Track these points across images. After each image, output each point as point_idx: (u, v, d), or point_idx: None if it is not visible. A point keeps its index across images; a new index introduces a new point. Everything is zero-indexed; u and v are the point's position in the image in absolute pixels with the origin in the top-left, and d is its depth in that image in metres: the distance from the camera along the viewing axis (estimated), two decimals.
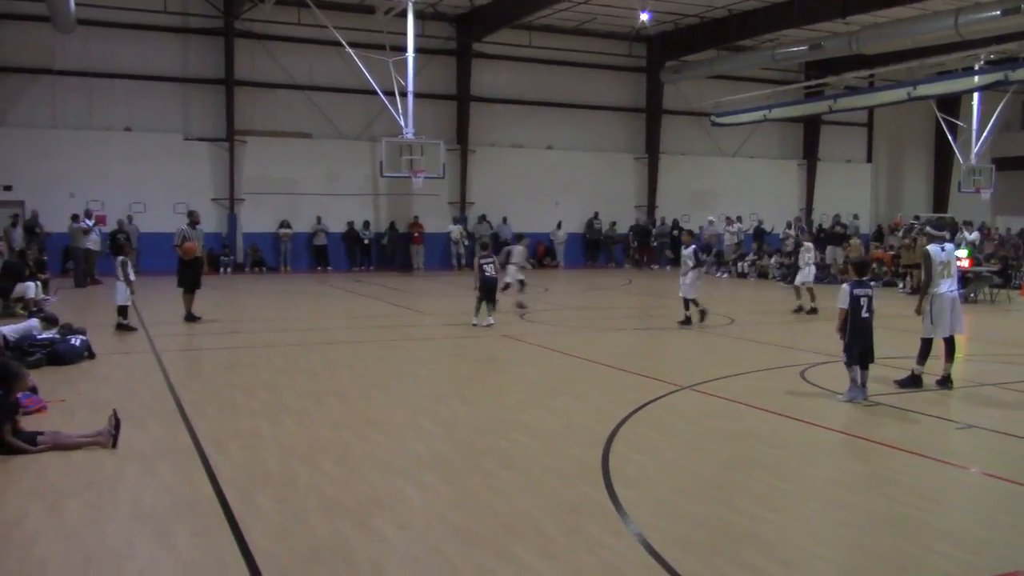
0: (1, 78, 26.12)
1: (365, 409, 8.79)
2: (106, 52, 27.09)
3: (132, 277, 14.02)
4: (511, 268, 17.34)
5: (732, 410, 8.91)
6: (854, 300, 9.28)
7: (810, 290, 17.52)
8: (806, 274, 17.57)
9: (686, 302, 15.47)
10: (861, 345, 9.25)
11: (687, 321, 15.37)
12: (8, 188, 25.86)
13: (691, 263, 15.27)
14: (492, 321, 14.94)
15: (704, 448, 7.42)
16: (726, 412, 8.83)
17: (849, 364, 9.35)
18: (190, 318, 15.50)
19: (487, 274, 14.96)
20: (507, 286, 17.27)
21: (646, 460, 7.00)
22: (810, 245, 17.93)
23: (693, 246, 15.46)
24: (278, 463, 6.80)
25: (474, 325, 14.90)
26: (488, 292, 15.00)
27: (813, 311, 17.32)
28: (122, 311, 14.09)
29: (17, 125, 26.21)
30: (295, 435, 7.68)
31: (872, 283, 10.75)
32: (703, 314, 15.49)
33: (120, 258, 14.21)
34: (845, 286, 9.48)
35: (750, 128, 35.38)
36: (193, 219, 16.11)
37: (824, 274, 26.10)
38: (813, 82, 33.18)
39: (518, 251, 17.68)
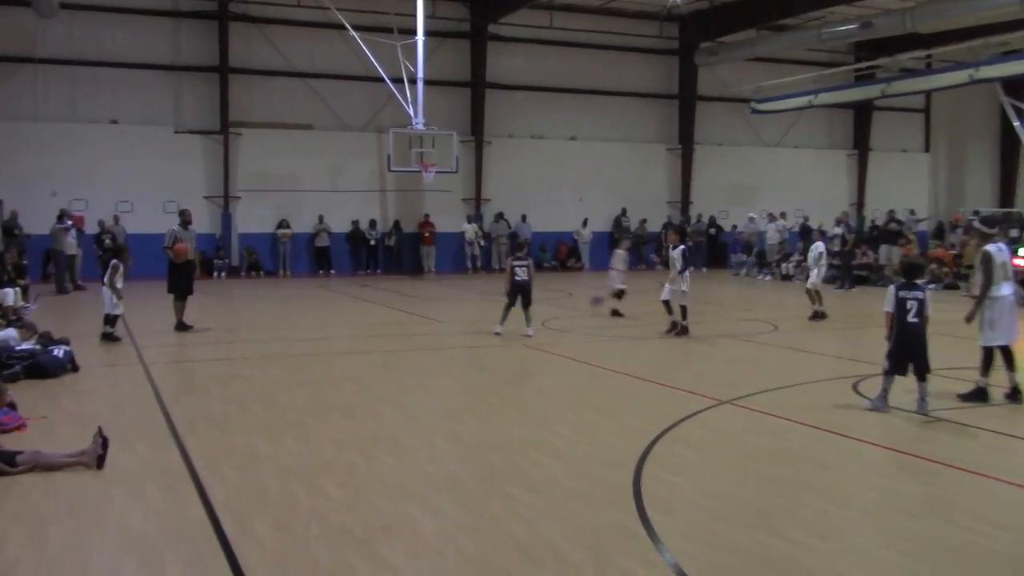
0: None
1: (372, 426, 8.81)
2: (91, 38, 27.34)
3: (119, 284, 14.12)
4: (614, 273, 17.61)
5: (777, 427, 8.85)
6: (900, 303, 9.22)
7: (817, 293, 17.61)
8: (816, 276, 17.73)
9: (667, 305, 15.43)
10: (905, 353, 9.20)
11: (678, 329, 15.10)
12: None
13: (679, 266, 15.05)
14: (531, 332, 14.77)
15: (746, 469, 7.38)
16: (770, 429, 8.77)
17: (887, 371, 9.34)
18: (181, 327, 15.59)
19: (518, 278, 14.86)
20: (621, 292, 17.56)
21: (681, 482, 6.96)
22: (820, 244, 18.13)
23: (681, 247, 15.26)
24: (277, 486, 6.81)
25: (496, 334, 14.84)
26: (519, 296, 14.85)
27: (817, 316, 17.34)
28: (110, 320, 14.19)
29: None
30: (295, 455, 7.70)
31: (931, 285, 10.66)
32: (678, 328, 15.13)
33: (113, 262, 14.32)
34: (891, 288, 9.46)
35: (794, 115, 35.20)
36: (185, 219, 16.21)
37: (878, 276, 25.94)
38: (864, 64, 32.98)
39: (620, 256, 17.89)
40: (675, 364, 13.20)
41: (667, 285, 15.46)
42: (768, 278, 28.65)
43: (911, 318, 9.21)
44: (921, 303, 9.26)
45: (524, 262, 15.06)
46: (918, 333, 9.25)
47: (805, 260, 27.81)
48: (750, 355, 13.80)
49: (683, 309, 15.27)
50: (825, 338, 15.71)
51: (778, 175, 35.96)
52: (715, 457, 7.75)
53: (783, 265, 28.71)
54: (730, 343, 14.81)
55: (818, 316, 17.42)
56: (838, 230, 26.23)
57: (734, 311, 19.90)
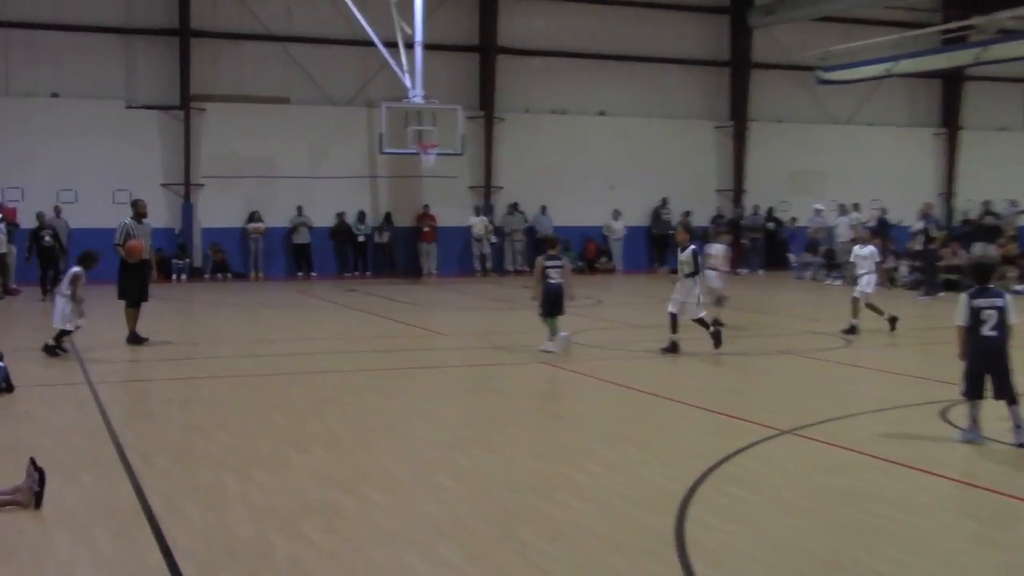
0: None
1: (362, 460, 8.83)
2: None
3: (81, 296, 14.23)
4: (710, 274, 17.14)
5: (849, 462, 8.82)
6: (974, 314, 9.23)
7: (870, 305, 17.37)
8: (864, 284, 17.41)
9: (674, 321, 14.91)
10: (983, 372, 9.20)
11: (672, 348, 14.88)
12: None
13: (688, 269, 14.80)
14: (552, 347, 14.71)
15: (811, 513, 7.36)
16: (841, 465, 8.74)
17: (967, 396, 9.35)
18: (134, 339, 15.67)
19: (552, 281, 14.88)
20: (721, 299, 17.33)
21: (735, 529, 6.95)
22: (872, 248, 17.88)
23: (692, 247, 14.95)
24: (249, 530, 6.84)
25: (545, 351, 14.73)
26: (553, 304, 14.88)
27: (851, 330, 17.13)
28: (60, 335, 14.29)
29: None
30: (271, 493, 7.73)
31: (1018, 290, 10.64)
32: (673, 347, 14.90)
33: (75, 270, 14.41)
34: (963, 296, 9.41)
35: (869, 87, 35.14)
36: (139, 210, 16.31)
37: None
38: (954, 25, 32.85)
39: (719, 250, 17.57)
40: (726, 386, 13.17)
41: (674, 295, 15.10)
42: (839, 282, 28.57)
43: (988, 331, 9.18)
44: (1001, 312, 9.23)
45: (558, 262, 15.10)
46: (998, 349, 9.22)
47: (883, 260, 27.87)
48: (816, 376, 13.73)
49: (701, 321, 15.06)
50: (907, 355, 15.65)
51: (850, 158, 35.91)
52: (774, 498, 7.73)
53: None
54: (791, 361, 14.77)
55: (849, 331, 17.14)
56: (921, 225, 26.17)
57: (796, 322, 19.85)
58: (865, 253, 17.71)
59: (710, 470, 8.38)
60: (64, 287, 14.40)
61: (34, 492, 7.22)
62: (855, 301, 17.49)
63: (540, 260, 15.17)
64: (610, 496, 7.72)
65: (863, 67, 32.10)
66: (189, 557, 6.30)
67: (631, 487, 7.97)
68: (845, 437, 9.67)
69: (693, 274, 14.84)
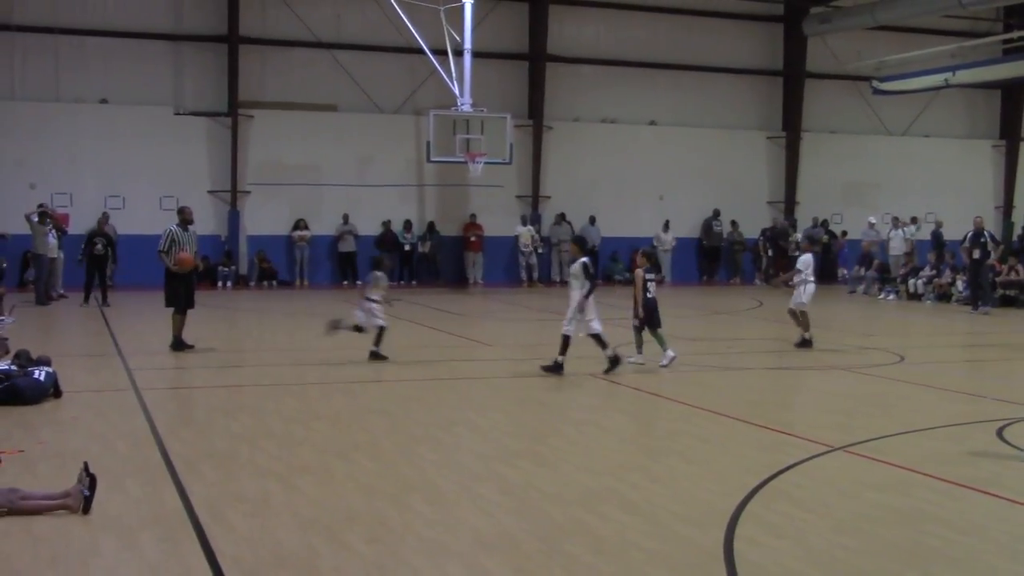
0: None
1: (406, 470, 8.88)
2: (77, 2, 28.03)
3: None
4: (806, 288, 16.89)
5: (903, 480, 8.76)
6: None
7: (803, 314, 17.02)
8: (800, 293, 16.97)
9: (565, 341, 14.08)
10: None
11: (612, 363, 14.27)
12: None
13: (577, 284, 14.12)
14: (672, 354, 14.78)
15: (864, 532, 7.31)
16: (895, 483, 8.68)
17: None
18: (179, 346, 15.85)
19: (650, 295, 15.10)
20: (802, 315, 16.96)
21: (785, 547, 6.92)
22: (808, 257, 17.41)
23: (584, 260, 14.16)
24: (294, 539, 6.91)
25: (632, 363, 14.83)
26: (651, 317, 15.03)
27: (805, 343, 16.99)
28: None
29: None
30: (315, 503, 7.80)
31: None
32: (613, 362, 14.25)
33: (378, 274, 15.80)
34: None
35: (926, 97, 34.84)
36: (184, 217, 16.47)
37: None
38: (1015, 34, 32.51)
39: (805, 262, 17.24)
40: (776, 401, 13.13)
41: (569, 313, 14.36)
42: (892, 297, 28.35)
43: None
44: None
45: (654, 275, 15.43)
46: None
47: (938, 275, 27.61)
48: (869, 391, 13.65)
49: (598, 338, 14.28)
50: (963, 372, 15.49)
51: (904, 171, 35.60)
52: (825, 516, 7.69)
53: (911, 281, 28.37)
54: (844, 376, 14.68)
55: (802, 344, 16.99)
56: (969, 238, 25.84)
57: (849, 337, 19.70)
58: (800, 264, 17.34)
59: (759, 486, 8.36)
60: (369, 292, 15.55)
61: (84, 497, 7.34)
62: (795, 312, 17.21)
63: (640, 272, 15.34)
64: (657, 510, 7.71)
65: (920, 77, 31.83)
66: (235, 565, 6.38)
67: (678, 502, 7.96)
68: (898, 455, 9.59)
69: (589, 291, 14.02)
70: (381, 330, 15.29)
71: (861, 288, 29.81)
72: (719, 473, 8.91)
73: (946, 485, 8.56)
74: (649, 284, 15.17)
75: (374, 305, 15.31)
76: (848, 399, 13.14)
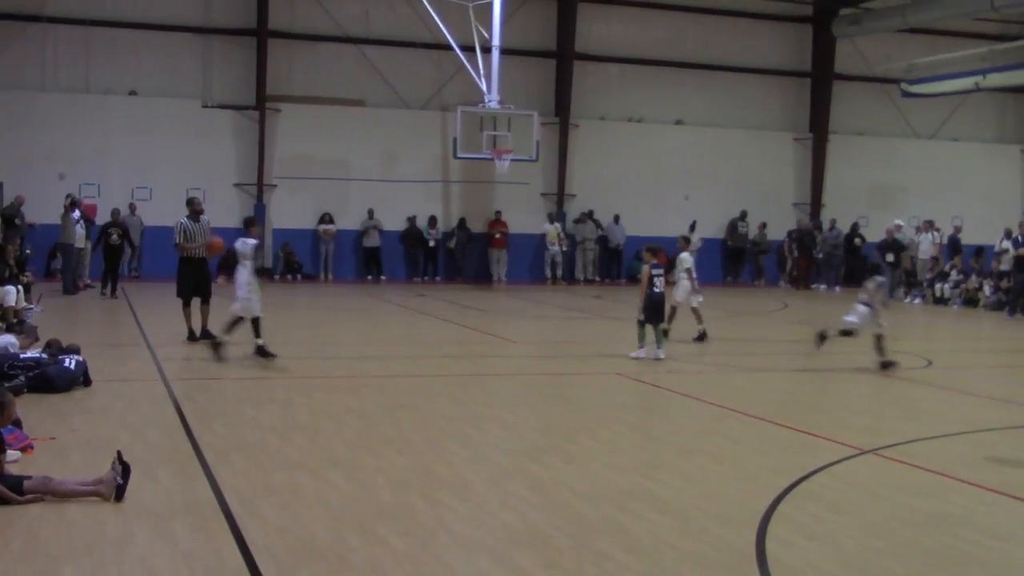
0: None
1: (435, 465, 8.90)
2: None
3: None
4: (680, 285, 17.09)
5: (934, 484, 8.73)
6: None
7: (672, 309, 17.07)
8: (679, 290, 17.20)
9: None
10: None
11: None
12: None
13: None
14: (662, 354, 15.07)
15: (895, 535, 7.29)
16: (925, 486, 8.66)
17: None
18: (192, 337, 16.02)
19: (657, 289, 15.12)
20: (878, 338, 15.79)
21: (816, 548, 6.90)
22: (686, 255, 17.56)
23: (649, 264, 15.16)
24: (325, 531, 6.93)
25: (634, 358, 15.02)
26: (655, 312, 15.12)
27: (701, 337, 17.41)
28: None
29: None
30: (346, 495, 7.82)
31: None
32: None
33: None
34: None
35: (955, 100, 34.64)
36: (194, 208, 16.56)
37: None
38: None
39: (685, 260, 17.29)
40: (805, 403, 13.11)
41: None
42: (918, 300, 28.21)
43: None
44: None
45: (662, 270, 15.45)
46: None
47: (965, 280, 27.46)
48: (898, 395, 13.63)
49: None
50: (993, 377, 15.41)
51: (932, 174, 35.40)
52: (856, 519, 7.66)
53: (937, 285, 28.21)
54: (872, 380, 14.63)
55: (699, 338, 17.42)
56: (1007, 244, 25.75)
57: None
58: (682, 262, 17.53)
59: (790, 487, 8.34)
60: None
61: (116, 485, 7.38)
62: (693, 310, 17.45)
63: (647, 268, 15.37)
64: (688, 509, 7.71)
65: (950, 80, 31.66)
66: (267, 555, 6.41)
67: (710, 501, 7.95)
68: (929, 459, 9.56)
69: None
70: (849, 334, 14.85)
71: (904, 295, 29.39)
72: (749, 473, 8.89)
73: (977, 490, 8.52)
74: (656, 279, 15.17)
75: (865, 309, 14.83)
76: (876, 402, 13.12)
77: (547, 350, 17.15)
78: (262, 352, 14.23)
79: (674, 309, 17.12)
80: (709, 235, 33.08)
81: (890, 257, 27.57)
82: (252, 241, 14.59)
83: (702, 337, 17.43)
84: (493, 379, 14.16)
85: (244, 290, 14.24)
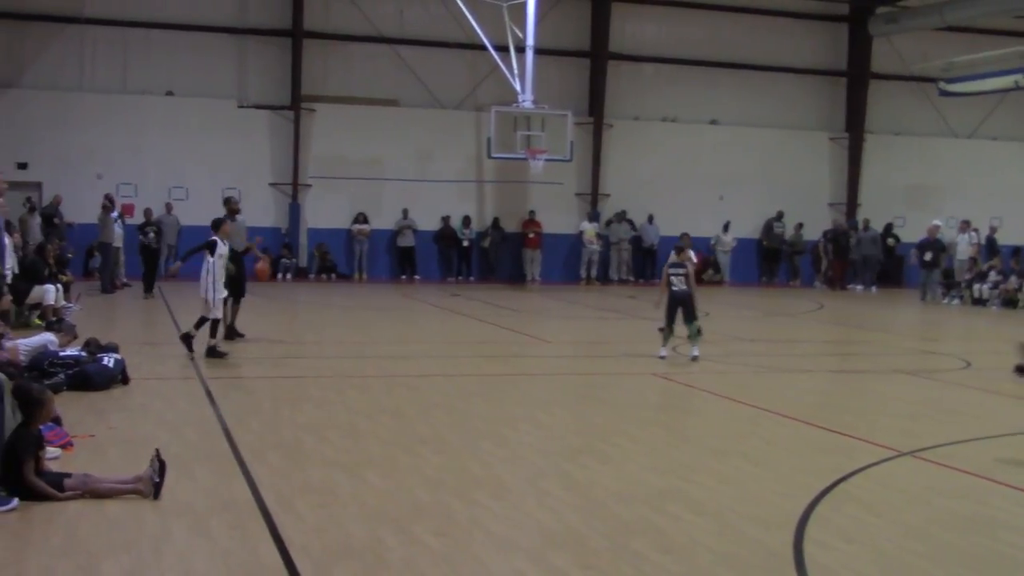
0: (17, 27, 27.76)
1: (471, 465, 8.91)
2: None
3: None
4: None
5: (974, 487, 8.65)
6: None
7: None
8: None
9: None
10: None
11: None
12: (23, 166, 27.35)
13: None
14: (696, 352, 15.02)
15: (935, 538, 7.22)
16: (965, 489, 8.58)
17: None
18: (228, 334, 16.07)
19: (675, 288, 15.07)
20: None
21: (855, 551, 6.86)
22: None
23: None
24: (362, 530, 6.96)
25: (661, 357, 15.01)
26: (676, 309, 15.06)
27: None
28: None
29: (35, 87, 27.80)
30: (382, 495, 7.85)
31: None
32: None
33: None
34: None
35: (994, 100, 34.28)
36: (231, 207, 16.67)
37: None
38: None
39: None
40: (840, 404, 13.02)
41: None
42: (956, 302, 27.97)
43: None
44: None
45: (682, 269, 15.26)
46: None
47: (1005, 280, 27.19)
48: (935, 397, 13.52)
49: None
50: None
51: (970, 174, 35.05)
52: (894, 521, 7.60)
53: (975, 286, 27.96)
54: (909, 381, 14.53)
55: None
56: None
57: (913, 341, 19.50)
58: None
59: (827, 489, 8.28)
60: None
61: (154, 483, 7.45)
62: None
63: (666, 267, 15.35)
64: (724, 511, 7.67)
65: (989, 79, 31.30)
66: (304, 553, 6.43)
67: (746, 503, 7.92)
68: (967, 461, 9.46)
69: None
70: None
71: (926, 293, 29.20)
72: (786, 475, 8.84)
73: (1017, 492, 8.44)
74: (674, 277, 15.05)
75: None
76: (913, 404, 13.00)
77: (581, 350, 17.14)
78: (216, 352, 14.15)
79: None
80: (744, 235, 33.07)
81: (928, 256, 27.39)
82: (215, 239, 14.31)
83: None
84: (527, 379, 14.17)
85: (210, 291, 14.08)
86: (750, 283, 32.95)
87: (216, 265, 14.09)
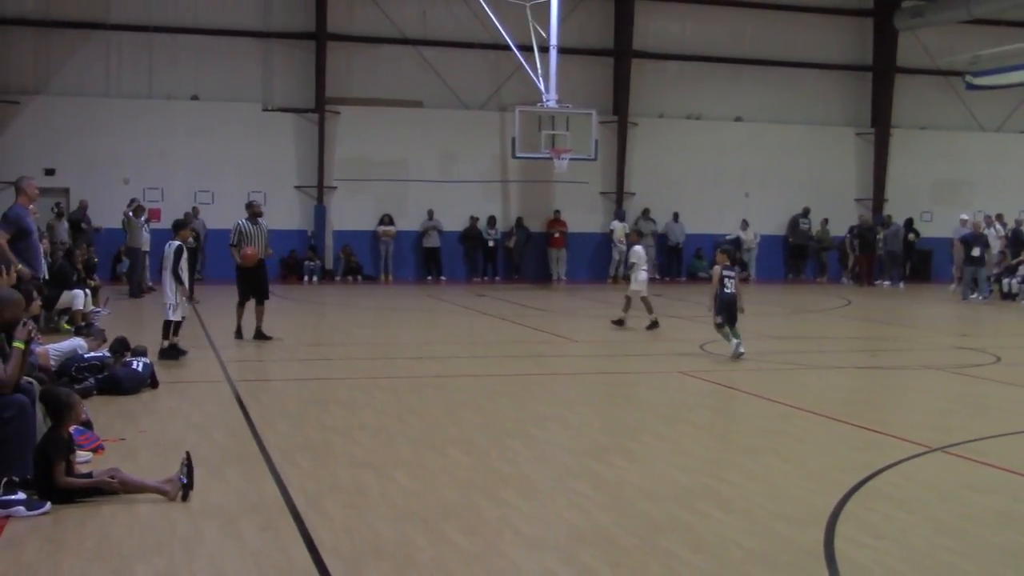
0: (43, 35, 27.99)
1: (499, 464, 8.92)
2: (170, 1, 28.60)
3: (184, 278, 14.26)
4: (638, 276, 18.59)
5: (1005, 482, 8.59)
6: None
7: (643, 299, 18.54)
8: (637, 280, 18.59)
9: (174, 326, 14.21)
10: None
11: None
12: (51, 172, 27.59)
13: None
14: (741, 350, 15.07)
15: (968, 534, 7.17)
16: (998, 485, 8.52)
17: None
18: (259, 335, 16.19)
19: (728, 291, 15.11)
20: (643, 300, 18.24)
21: (886, 547, 6.82)
22: (639, 248, 18.99)
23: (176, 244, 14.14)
24: (391, 530, 6.97)
25: (741, 353, 15.02)
26: (729, 312, 15.12)
27: (653, 325, 18.27)
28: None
29: (62, 94, 28.05)
30: (411, 495, 7.86)
31: None
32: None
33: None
34: None
35: (1022, 92, 34.01)
36: (253, 211, 16.73)
37: None
38: None
39: (637, 253, 18.54)
40: (869, 400, 12.95)
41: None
42: (982, 297, 27.71)
43: None
44: None
45: (733, 272, 15.41)
46: None
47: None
48: (965, 391, 13.44)
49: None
50: None
51: (998, 168, 34.82)
52: (927, 517, 7.55)
53: (1005, 280, 27.74)
54: (938, 377, 14.43)
55: (652, 326, 18.40)
56: None
57: (942, 336, 19.37)
58: (635, 254, 18.82)
59: (857, 486, 8.24)
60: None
61: (182, 484, 7.50)
62: (643, 300, 18.57)
63: (718, 269, 15.39)
64: (755, 508, 7.64)
65: (1016, 72, 31.07)
66: (334, 554, 6.46)
67: (776, 500, 7.88)
68: (1000, 457, 9.39)
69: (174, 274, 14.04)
70: None
71: (954, 287, 28.99)
72: (816, 472, 8.80)
73: None
74: (727, 280, 15.14)
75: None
76: (944, 399, 12.93)
77: (608, 349, 17.12)
78: (172, 351, 14.08)
79: (628, 299, 18.59)
80: (770, 232, 32.97)
81: (976, 251, 26.98)
82: (174, 243, 14.22)
83: (654, 325, 18.37)
84: (554, 378, 14.17)
85: (171, 296, 14.05)
86: (777, 280, 32.82)
87: (170, 267, 14.09)
